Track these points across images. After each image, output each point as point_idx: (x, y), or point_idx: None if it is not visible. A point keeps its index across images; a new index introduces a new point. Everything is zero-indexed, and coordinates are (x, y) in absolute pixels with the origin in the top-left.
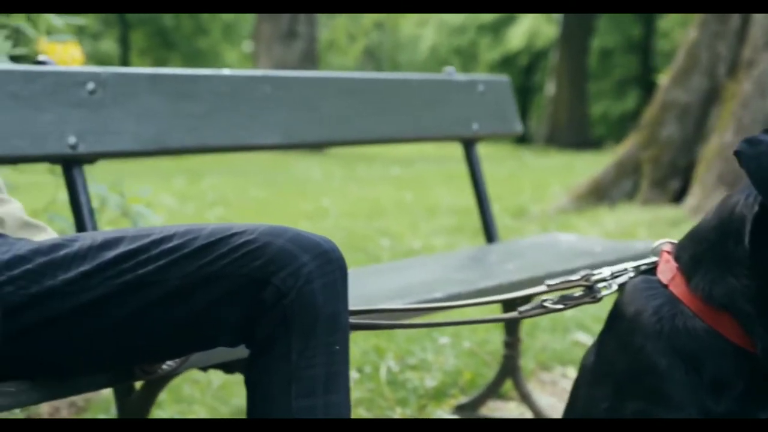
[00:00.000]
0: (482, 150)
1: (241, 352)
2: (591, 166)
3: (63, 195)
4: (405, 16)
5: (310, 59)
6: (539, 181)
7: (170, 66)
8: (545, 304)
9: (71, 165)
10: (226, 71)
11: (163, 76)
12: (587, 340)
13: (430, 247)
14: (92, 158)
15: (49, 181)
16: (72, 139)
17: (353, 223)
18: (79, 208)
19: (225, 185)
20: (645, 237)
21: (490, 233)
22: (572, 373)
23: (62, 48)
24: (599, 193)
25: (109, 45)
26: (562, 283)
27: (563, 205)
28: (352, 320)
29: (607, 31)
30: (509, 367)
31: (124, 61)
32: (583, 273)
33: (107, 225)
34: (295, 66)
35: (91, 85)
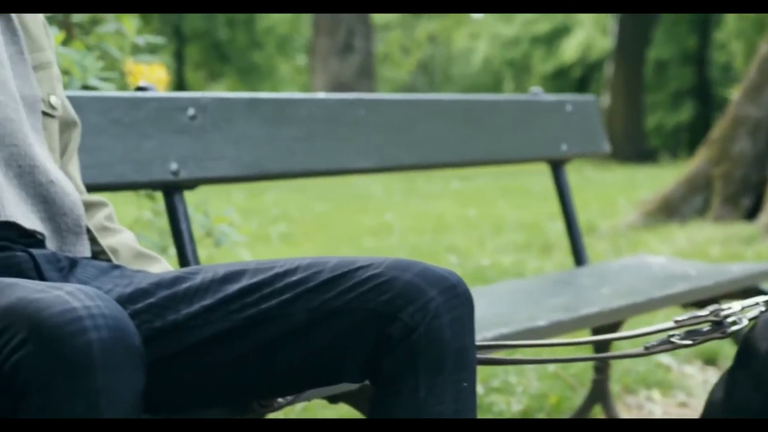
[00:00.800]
0: (542, 165)
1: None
2: (653, 180)
3: (146, 214)
4: (458, 29)
5: (366, 73)
6: (604, 196)
7: (225, 79)
8: (672, 339)
9: (172, 191)
10: (321, 95)
11: (260, 100)
12: (671, 362)
13: (498, 264)
14: (193, 184)
15: (122, 200)
16: (174, 166)
17: (419, 240)
18: (179, 235)
19: (287, 200)
20: (719, 255)
21: (579, 256)
22: (657, 396)
23: (148, 69)
24: (669, 210)
25: (165, 59)
26: (690, 319)
27: (633, 221)
28: (479, 355)
29: (663, 43)
30: (598, 392)
31: (180, 75)
32: (711, 308)
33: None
34: (350, 80)
35: (191, 111)
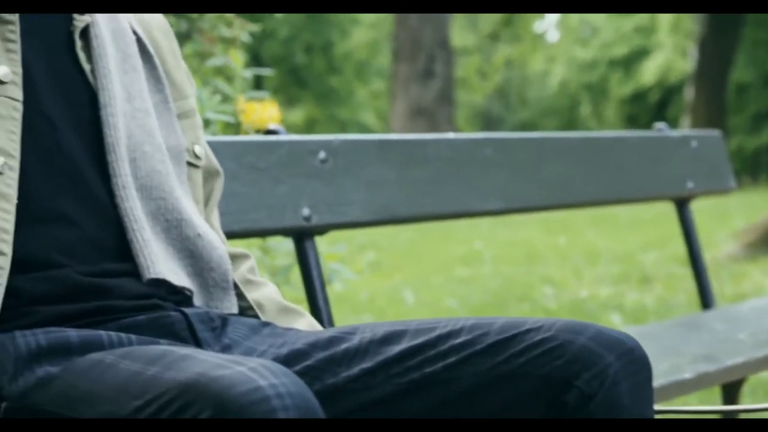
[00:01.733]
0: None
1: None
2: (744, 206)
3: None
4: (534, 53)
5: (446, 99)
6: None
7: (303, 104)
8: None
9: (303, 237)
10: (450, 135)
11: (391, 142)
12: None
13: (596, 296)
14: (323, 230)
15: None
16: (306, 211)
17: (511, 270)
18: (311, 281)
19: (374, 229)
20: None
21: (706, 299)
22: None
23: (260, 106)
24: None
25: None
26: None
27: (733, 252)
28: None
29: (744, 65)
30: None
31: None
32: None
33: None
34: (431, 106)
35: (322, 155)
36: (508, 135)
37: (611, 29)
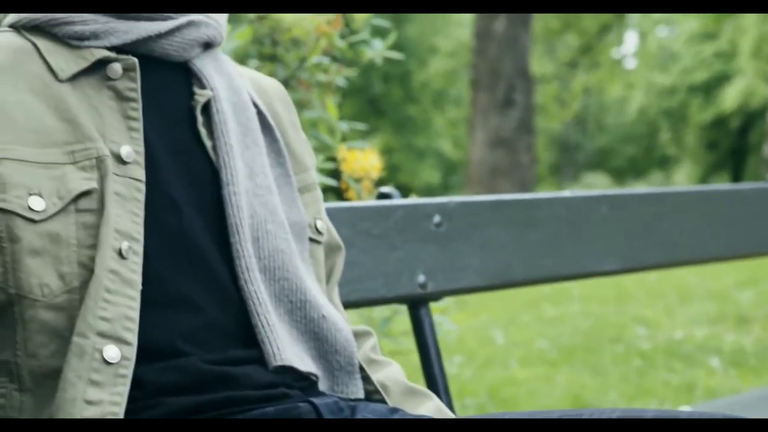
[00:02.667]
0: None
1: None
2: None
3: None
4: (613, 80)
5: (525, 128)
6: None
7: (381, 133)
8: None
9: (418, 304)
10: (566, 193)
11: (505, 202)
12: None
13: (692, 337)
14: (439, 296)
15: None
16: (421, 278)
17: (602, 309)
18: (426, 350)
19: None
20: None
21: None
22: None
23: (362, 155)
24: None
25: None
26: None
27: None
28: None
29: None
30: None
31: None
32: None
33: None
34: (511, 135)
35: (437, 218)
36: (624, 192)
37: (691, 55)
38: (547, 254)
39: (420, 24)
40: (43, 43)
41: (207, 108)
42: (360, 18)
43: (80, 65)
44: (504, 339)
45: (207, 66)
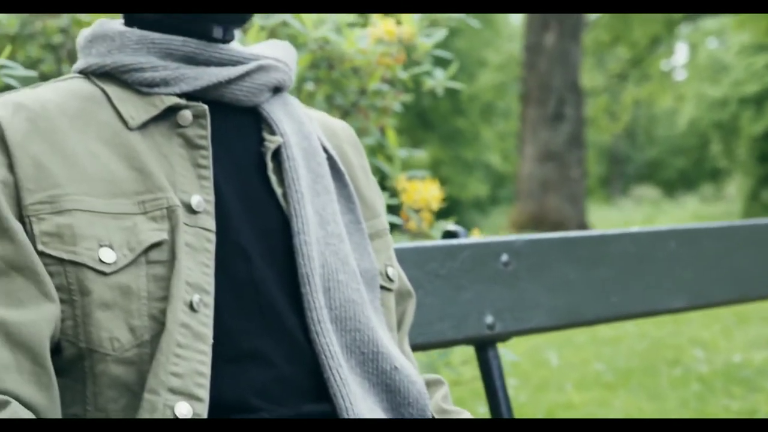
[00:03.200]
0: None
1: None
2: None
3: None
4: (662, 91)
5: (576, 142)
6: None
7: (429, 145)
8: None
9: (486, 346)
10: (634, 229)
11: (573, 239)
12: None
13: (750, 361)
14: (507, 336)
15: None
16: (489, 319)
17: (658, 330)
18: (494, 392)
19: None
20: None
21: None
22: None
23: (422, 186)
24: None
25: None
26: None
27: None
28: None
29: None
30: None
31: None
32: None
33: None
34: (561, 149)
35: (504, 257)
36: (693, 226)
37: (742, 67)
38: (615, 292)
39: (469, 37)
40: (113, 90)
41: (277, 154)
42: (422, 48)
43: (150, 113)
44: (559, 361)
45: (277, 111)
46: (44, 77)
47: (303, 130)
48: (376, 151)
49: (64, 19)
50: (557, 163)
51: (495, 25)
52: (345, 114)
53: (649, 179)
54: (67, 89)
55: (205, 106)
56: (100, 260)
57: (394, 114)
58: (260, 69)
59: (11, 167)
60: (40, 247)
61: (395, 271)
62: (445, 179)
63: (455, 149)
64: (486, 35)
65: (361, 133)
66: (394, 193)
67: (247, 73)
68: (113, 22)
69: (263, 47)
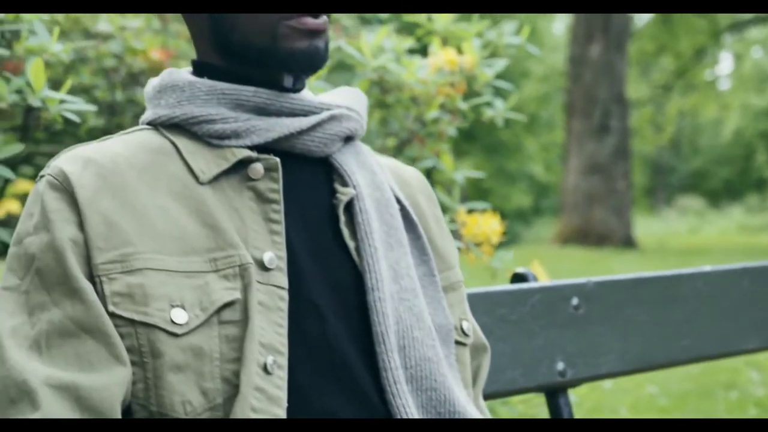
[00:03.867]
0: None
1: None
2: None
3: None
4: (708, 102)
5: (622, 153)
6: None
7: (472, 157)
8: None
9: (557, 392)
10: (706, 268)
11: (644, 280)
12: None
13: None
14: (578, 383)
15: None
16: (560, 365)
17: None
18: None
19: None
20: None
21: None
22: None
23: (482, 219)
24: None
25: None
26: None
27: None
28: None
29: None
30: None
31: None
32: None
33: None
34: (606, 161)
35: (575, 300)
36: (767, 264)
37: None
38: (688, 334)
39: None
40: (182, 143)
41: (349, 206)
42: (482, 78)
43: (221, 166)
44: (611, 384)
45: (349, 161)
46: (97, 103)
47: (375, 181)
48: (431, 175)
49: (116, 45)
50: (603, 175)
51: (538, 35)
52: (401, 143)
53: (693, 189)
54: (136, 142)
55: (277, 159)
56: (172, 321)
57: (449, 138)
58: (332, 119)
59: (81, 225)
60: (111, 308)
61: (470, 324)
62: (488, 190)
63: (498, 160)
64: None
65: (417, 160)
66: (452, 218)
67: (319, 124)
68: (182, 72)
69: (333, 95)
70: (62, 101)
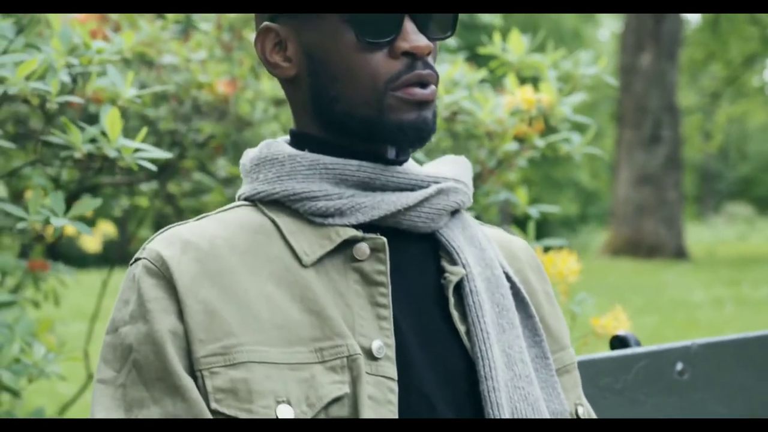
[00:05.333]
0: None
1: None
2: None
3: None
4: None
5: (673, 164)
6: None
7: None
8: None
9: None
10: None
11: (750, 341)
12: None
13: None
14: None
15: None
16: None
17: None
18: None
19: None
20: None
21: None
22: None
23: (559, 259)
24: None
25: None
26: None
27: None
28: None
29: None
30: None
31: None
32: None
33: None
34: (657, 172)
35: (679, 365)
36: None
37: None
38: None
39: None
40: (283, 221)
41: (458, 286)
42: (559, 114)
43: (325, 247)
44: None
45: (456, 236)
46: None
47: (485, 257)
48: (505, 210)
49: (181, 76)
50: (654, 186)
51: (584, 42)
52: (476, 179)
53: (741, 196)
54: (235, 221)
55: (384, 239)
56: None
57: (519, 169)
58: (440, 193)
59: (181, 315)
60: (214, 405)
61: (585, 409)
62: (535, 199)
63: (545, 168)
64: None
65: (489, 194)
66: None
67: (426, 199)
68: (281, 144)
69: (439, 164)
70: (137, 150)
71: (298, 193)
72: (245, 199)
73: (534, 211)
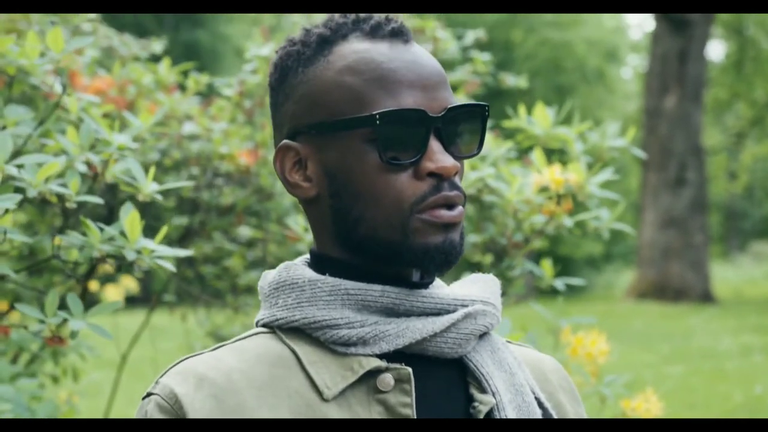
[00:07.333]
0: None
1: None
2: None
3: None
4: None
5: (699, 206)
6: None
7: None
8: None
9: None
10: None
11: None
12: None
13: None
14: None
15: None
16: None
17: None
18: None
19: (631, 356)
20: None
21: None
22: None
23: (588, 340)
24: None
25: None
26: None
27: None
28: None
29: None
30: None
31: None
32: None
33: None
34: (682, 215)
35: None
36: None
37: None
38: None
39: (584, 96)
40: (303, 350)
41: (488, 415)
42: (586, 192)
43: (348, 379)
44: None
45: (485, 361)
46: (182, 200)
47: (515, 383)
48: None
49: (201, 146)
50: (679, 229)
51: (608, 83)
52: (498, 253)
53: (767, 235)
54: (253, 353)
55: (409, 370)
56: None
57: (544, 237)
58: (467, 317)
59: None
60: None
61: None
62: (558, 239)
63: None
64: (600, 94)
65: (514, 267)
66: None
67: (453, 324)
68: (300, 267)
69: (465, 285)
70: (152, 251)
71: (319, 321)
72: (264, 326)
73: (560, 284)
